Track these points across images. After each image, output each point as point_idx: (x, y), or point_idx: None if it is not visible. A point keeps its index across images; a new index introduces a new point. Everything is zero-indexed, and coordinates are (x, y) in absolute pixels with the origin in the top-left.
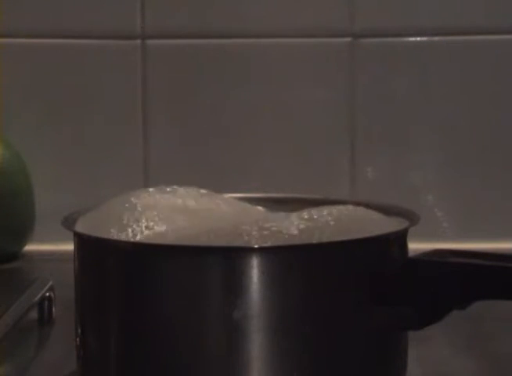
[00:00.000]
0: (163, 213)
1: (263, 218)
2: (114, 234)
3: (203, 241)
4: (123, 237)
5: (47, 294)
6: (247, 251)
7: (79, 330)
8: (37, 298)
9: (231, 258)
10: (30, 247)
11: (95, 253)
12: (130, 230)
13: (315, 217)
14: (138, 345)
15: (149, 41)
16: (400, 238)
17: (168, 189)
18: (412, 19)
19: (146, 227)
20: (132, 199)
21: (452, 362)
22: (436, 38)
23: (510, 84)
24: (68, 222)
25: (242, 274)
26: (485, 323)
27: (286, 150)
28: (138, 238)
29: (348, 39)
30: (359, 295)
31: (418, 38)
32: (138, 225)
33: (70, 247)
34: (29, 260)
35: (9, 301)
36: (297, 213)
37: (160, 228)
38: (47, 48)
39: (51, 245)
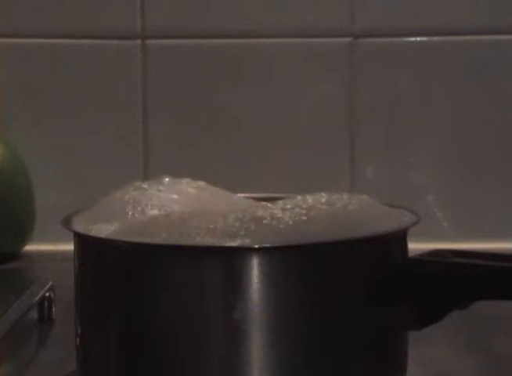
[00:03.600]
0: (161, 202)
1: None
2: (112, 232)
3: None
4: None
5: (47, 294)
6: (247, 251)
7: (79, 330)
8: (37, 298)
9: (231, 258)
10: (30, 247)
11: (95, 253)
12: (129, 217)
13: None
14: (137, 345)
15: (149, 41)
16: (400, 238)
17: (164, 181)
18: (412, 19)
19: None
20: (128, 194)
21: (452, 362)
22: (436, 38)
23: (510, 85)
24: (68, 222)
25: (242, 274)
26: (485, 323)
27: (286, 149)
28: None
29: (348, 39)
30: (359, 295)
31: (418, 38)
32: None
33: (70, 247)
34: (29, 260)
35: (9, 301)
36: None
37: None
38: (47, 48)
39: (51, 245)
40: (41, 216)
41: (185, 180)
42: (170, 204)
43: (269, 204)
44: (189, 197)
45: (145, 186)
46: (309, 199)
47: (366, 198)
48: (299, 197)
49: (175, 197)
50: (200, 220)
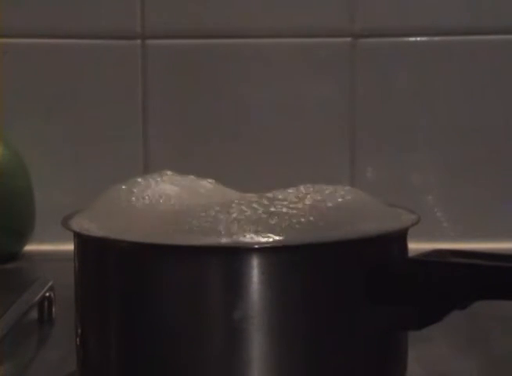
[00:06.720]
0: (162, 201)
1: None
2: (112, 231)
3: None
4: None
5: (47, 294)
6: (247, 251)
7: (79, 330)
8: (37, 298)
9: (231, 258)
10: (30, 247)
11: (95, 253)
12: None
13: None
14: (138, 345)
15: (149, 41)
16: (400, 238)
17: (165, 178)
18: (412, 19)
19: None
20: (128, 193)
21: (452, 362)
22: (436, 38)
23: (510, 85)
24: (68, 222)
25: (242, 274)
26: (485, 323)
27: (286, 150)
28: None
29: (348, 39)
30: (359, 295)
31: (418, 38)
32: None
33: (70, 247)
34: (29, 260)
35: (9, 302)
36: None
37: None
38: (47, 48)
39: (51, 245)
40: (41, 216)
41: (190, 177)
42: (170, 203)
43: (268, 202)
44: (191, 194)
45: (145, 182)
46: (308, 196)
47: (365, 195)
48: (299, 195)
49: (176, 193)
50: (201, 219)
